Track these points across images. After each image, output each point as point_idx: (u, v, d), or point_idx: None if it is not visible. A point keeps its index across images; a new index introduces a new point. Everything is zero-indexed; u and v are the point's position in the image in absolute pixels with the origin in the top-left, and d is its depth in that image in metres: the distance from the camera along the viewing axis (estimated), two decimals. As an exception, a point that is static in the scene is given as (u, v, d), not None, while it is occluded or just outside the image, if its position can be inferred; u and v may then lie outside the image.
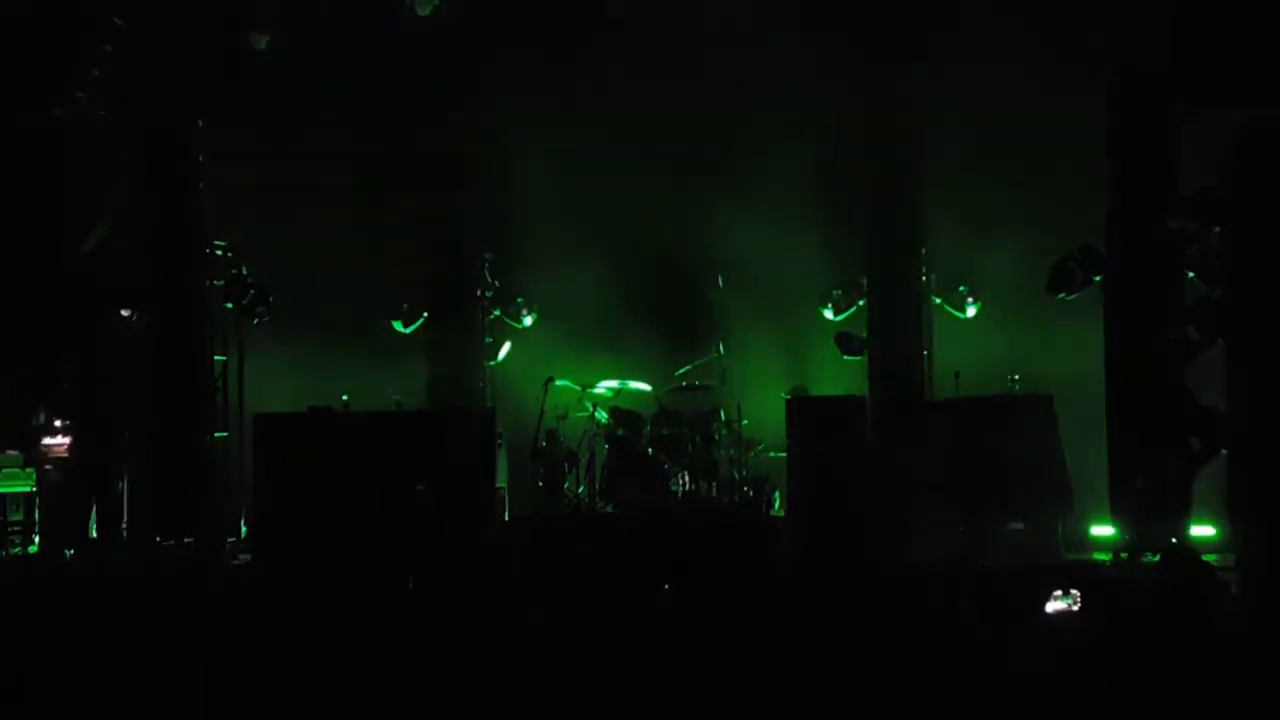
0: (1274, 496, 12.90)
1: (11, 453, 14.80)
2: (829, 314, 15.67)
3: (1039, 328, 14.24)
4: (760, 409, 14.96)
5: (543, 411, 14.42)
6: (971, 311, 15.34)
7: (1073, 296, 14.39)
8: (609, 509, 14.35)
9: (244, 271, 15.79)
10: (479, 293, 16.30)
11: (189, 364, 15.50)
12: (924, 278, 15.42)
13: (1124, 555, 13.25)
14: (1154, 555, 12.84)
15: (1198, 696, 6.37)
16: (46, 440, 14.94)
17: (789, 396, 14.41)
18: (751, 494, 14.45)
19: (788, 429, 13.93)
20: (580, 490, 14.67)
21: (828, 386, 14.92)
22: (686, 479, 14.53)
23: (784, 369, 15.45)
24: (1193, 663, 6.68)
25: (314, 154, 15.60)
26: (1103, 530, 14.03)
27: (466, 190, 16.15)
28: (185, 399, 15.24)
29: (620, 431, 14.73)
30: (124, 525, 14.80)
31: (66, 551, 14.26)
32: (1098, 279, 14.26)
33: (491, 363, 16.32)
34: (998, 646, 6.94)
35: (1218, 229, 13.74)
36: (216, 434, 15.34)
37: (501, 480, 14.48)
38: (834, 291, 15.64)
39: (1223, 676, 6.61)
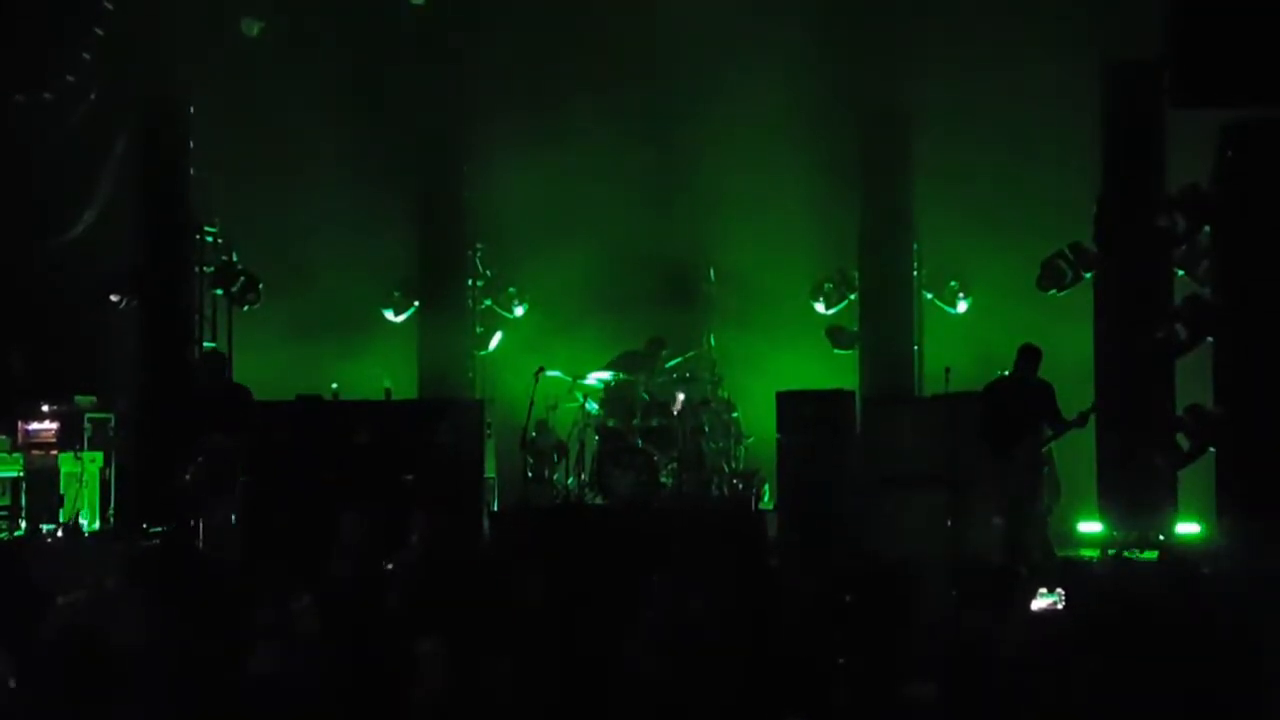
0: (1261, 493, 12.96)
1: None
2: (820, 308, 15.67)
3: (1029, 324, 14.21)
4: (750, 402, 14.96)
5: (532, 402, 14.39)
6: (962, 307, 15.36)
7: (1063, 293, 14.44)
8: (598, 500, 14.33)
9: (234, 258, 15.75)
10: (470, 282, 16.28)
11: (177, 350, 15.49)
12: (915, 273, 15.43)
13: (1111, 551, 13.26)
14: (1144, 552, 12.87)
15: (1188, 694, 6.39)
16: (34, 425, 14.90)
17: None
18: (741, 486, 14.43)
19: (778, 422, 13.93)
20: (569, 481, 14.64)
21: (818, 380, 14.89)
22: (676, 470, 14.49)
23: (774, 362, 15.43)
24: (1184, 660, 6.69)
25: (305, 142, 15.54)
26: (1090, 526, 14.06)
27: (459, 180, 16.13)
28: (172, 385, 15.21)
29: (610, 422, 14.70)
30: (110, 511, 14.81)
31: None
32: (1088, 276, 14.33)
33: (482, 352, 16.30)
34: (985, 639, 6.97)
35: (1207, 227, 13.80)
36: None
37: (490, 470, 14.46)
38: (825, 285, 15.64)
39: (1212, 673, 6.63)
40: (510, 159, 15.74)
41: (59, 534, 14.17)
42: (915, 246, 15.40)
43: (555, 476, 14.64)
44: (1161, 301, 13.91)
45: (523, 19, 15.73)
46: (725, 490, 14.39)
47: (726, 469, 14.54)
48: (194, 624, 7.55)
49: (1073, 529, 14.11)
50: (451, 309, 16.13)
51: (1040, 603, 8.62)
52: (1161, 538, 13.42)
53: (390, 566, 9.22)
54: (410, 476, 13.80)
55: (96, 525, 14.76)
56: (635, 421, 14.61)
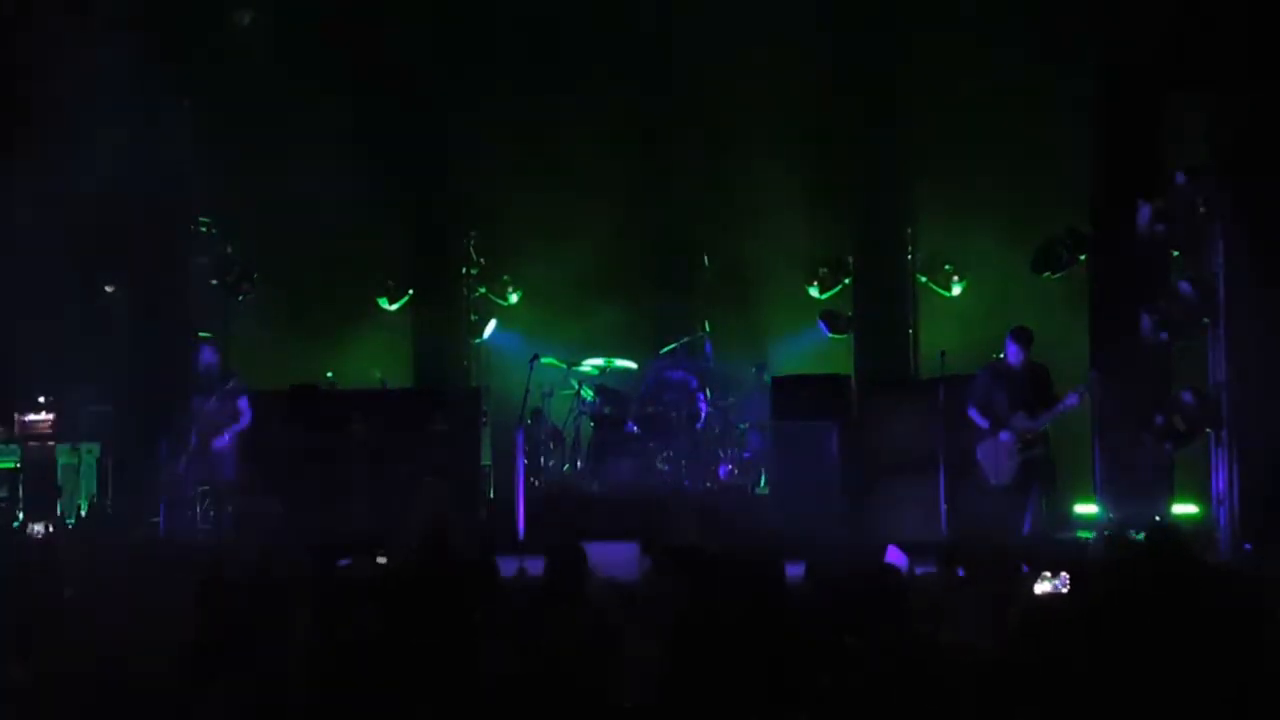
0: (1258, 476, 12.97)
1: (-4, 428, 14.78)
2: (815, 292, 15.68)
3: (1024, 306, 14.23)
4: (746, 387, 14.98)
5: (528, 389, 14.40)
6: (957, 290, 15.36)
7: (1058, 276, 14.43)
8: (594, 487, 14.34)
9: (229, 249, 15.73)
10: (464, 270, 16.27)
11: (173, 341, 15.48)
12: (910, 256, 15.43)
13: (1107, 533, 13.27)
14: (1140, 533, 12.87)
15: (1185, 674, 6.40)
16: (31, 416, 14.90)
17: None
18: (736, 472, 14.45)
19: (773, 407, 13.95)
20: (565, 468, 14.66)
21: (813, 365, 14.91)
22: (672, 457, 14.51)
23: (769, 347, 15.45)
24: (1181, 642, 6.70)
25: (299, 131, 15.51)
26: (1087, 508, 14.07)
27: (452, 168, 16.12)
28: (168, 375, 15.20)
29: (605, 409, 14.72)
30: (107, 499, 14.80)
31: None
32: (1083, 258, 14.32)
33: (477, 340, 16.31)
34: (985, 623, 6.97)
35: (1203, 210, 13.78)
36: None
37: (487, 459, 14.47)
38: (820, 269, 15.64)
39: (1208, 654, 6.64)
40: (504, 146, 15.75)
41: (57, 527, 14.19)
42: (909, 230, 15.40)
43: (551, 464, 14.67)
44: (1157, 285, 13.89)
45: (519, 6, 15.72)
46: (721, 477, 14.41)
47: (721, 455, 14.56)
48: (194, 617, 7.54)
49: (1069, 511, 14.12)
50: (446, 297, 16.14)
51: (1043, 586, 8.62)
52: (1157, 519, 13.42)
53: (383, 560, 9.21)
54: (408, 465, 13.83)
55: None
56: (630, 408, 14.64)
